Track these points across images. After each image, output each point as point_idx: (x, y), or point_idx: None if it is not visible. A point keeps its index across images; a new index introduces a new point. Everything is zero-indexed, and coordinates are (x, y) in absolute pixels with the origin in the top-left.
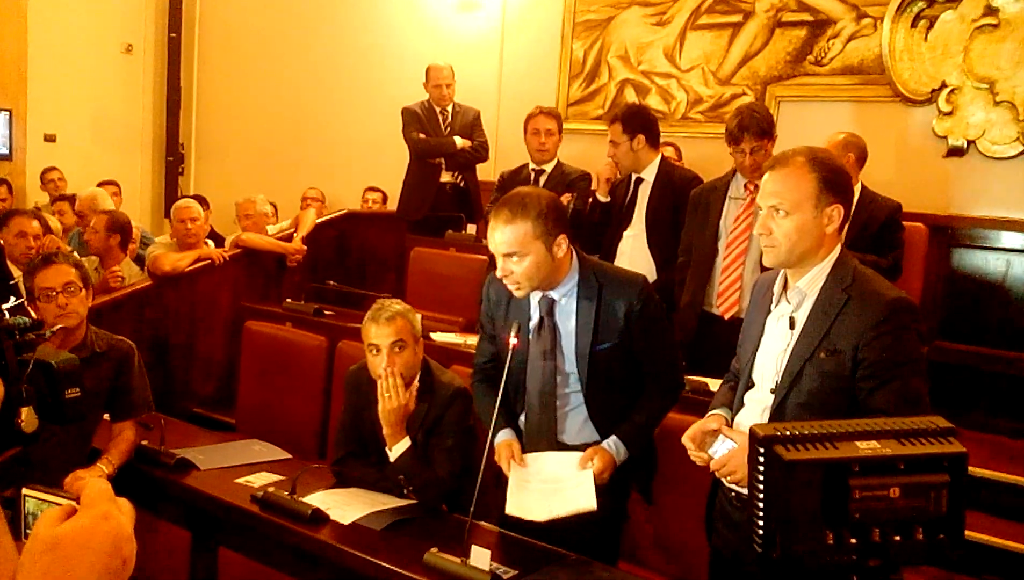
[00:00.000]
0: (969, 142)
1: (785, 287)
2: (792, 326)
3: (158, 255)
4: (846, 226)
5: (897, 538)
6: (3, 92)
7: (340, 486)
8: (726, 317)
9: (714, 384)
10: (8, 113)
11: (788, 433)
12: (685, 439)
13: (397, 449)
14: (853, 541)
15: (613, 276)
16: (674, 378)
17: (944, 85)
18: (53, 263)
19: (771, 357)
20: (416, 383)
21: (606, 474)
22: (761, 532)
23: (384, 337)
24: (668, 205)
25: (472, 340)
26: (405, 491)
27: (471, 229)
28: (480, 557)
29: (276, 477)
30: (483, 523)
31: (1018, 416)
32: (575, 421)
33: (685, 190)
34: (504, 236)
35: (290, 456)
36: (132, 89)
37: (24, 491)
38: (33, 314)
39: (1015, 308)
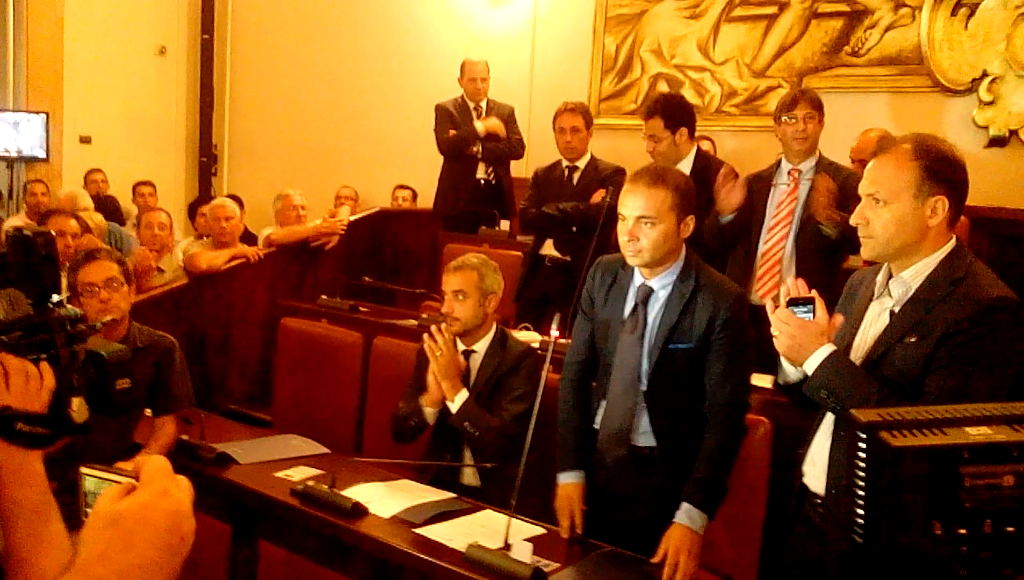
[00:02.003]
0: (1012, 132)
1: (889, 278)
2: (892, 319)
3: (195, 253)
4: (957, 220)
5: (1010, 529)
6: (40, 95)
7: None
8: (765, 302)
9: (756, 378)
10: (45, 116)
11: (893, 418)
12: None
13: (458, 400)
14: (963, 532)
15: (712, 280)
16: (736, 408)
17: (985, 74)
18: (96, 259)
19: (867, 348)
20: (488, 340)
21: (687, 549)
22: (862, 522)
23: (450, 284)
24: (704, 197)
25: (509, 331)
26: (471, 438)
27: (504, 225)
28: (522, 550)
29: (315, 471)
30: (523, 517)
31: None
32: (642, 419)
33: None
34: (642, 200)
35: (328, 451)
36: (166, 90)
37: (82, 470)
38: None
39: None
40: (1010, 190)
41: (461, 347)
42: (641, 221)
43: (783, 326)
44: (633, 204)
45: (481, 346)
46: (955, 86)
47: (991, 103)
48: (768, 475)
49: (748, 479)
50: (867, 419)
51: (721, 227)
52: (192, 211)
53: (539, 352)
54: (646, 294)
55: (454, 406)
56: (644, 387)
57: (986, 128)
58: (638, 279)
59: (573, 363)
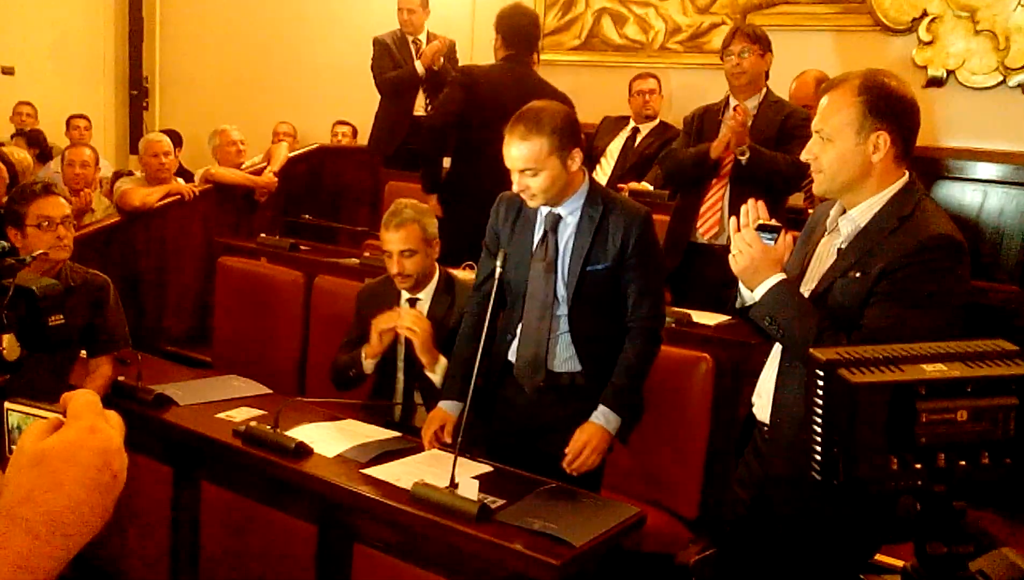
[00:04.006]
0: (949, 72)
1: (842, 215)
2: (839, 255)
3: (127, 189)
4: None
5: (963, 463)
6: None
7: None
8: (705, 238)
9: (698, 316)
10: None
11: (852, 356)
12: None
13: (439, 370)
14: (918, 466)
15: (619, 201)
16: (655, 321)
17: (925, 14)
18: (54, 194)
19: (813, 283)
20: (433, 286)
21: (595, 445)
22: (820, 458)
23: (395, 243)
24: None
25: (453, 272)
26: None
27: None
28: (468, 488)
29: (257, 412)
30: (468, 456)
31: None
32: (563, 345)
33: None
34: (520, 152)
35: (271, 391)
36: (93, 18)
37: (7, 405)
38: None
39: (990, 239)
40: (947, 130)
41: (406, 296)
42: (524, 173)
43: (745, 247)
44: (514, 157)
45: (426, 293)
46: (895, 25)
47: (930, 43)
48: (710, 411)
49: (690, 415)
50: (826, 357)
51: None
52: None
53: None
54: (555, 221)
55: (436, 376)
56: (565, 311)
57: (924, 68)
58: (544, 208)
59: (476, 295)
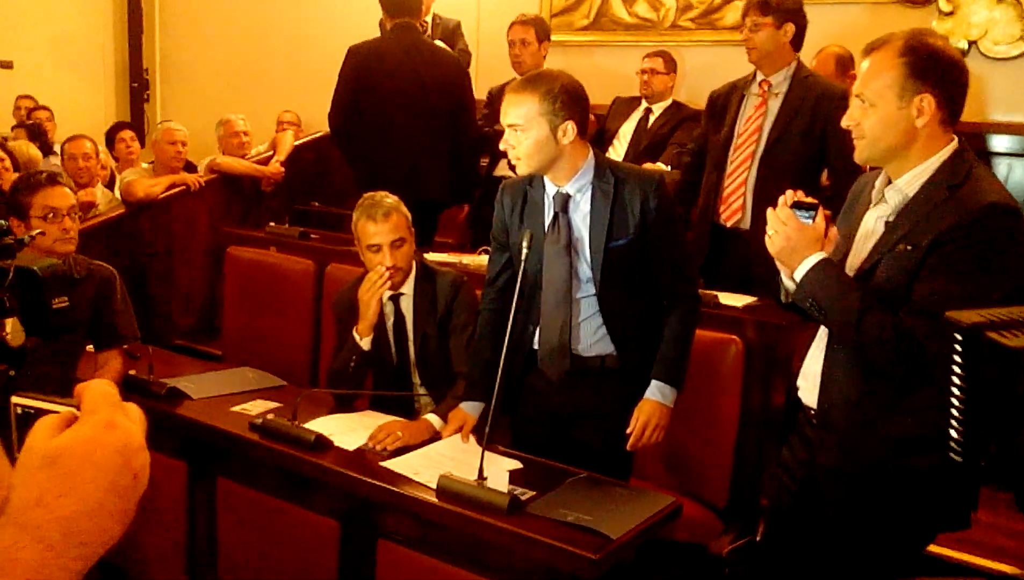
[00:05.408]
0: (971, 43)
1: (888, 185)
2: (887, 228)
3: (131, 181)
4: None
5: None
6: None
7: (340, 407)
8: (728, 224)
9: (725, 297)
10: None
11: (997, 319)
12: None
13: (438, 422)
14: None
15: (629, 171)
16: (691, 285)
17: None
18: (59, 184)
19: (860, 259)
20: (413, 278)
21: (657, 421)
22: (963, 429)
23: (385, 234)
24: None
25: (468, 259)
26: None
27: None
28: (497, 479)
29: (273, 404)
30: (497, 447)
31: None
32: (589, 329)
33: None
34: (509, 106)
35: (285, 383)
36: (92, 11)
37: (14, 399)
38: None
39: None
40: (969, 102)
41: (388, 294)
42: (512, 129)
43: (781, 226)
44: (504, 111)
45: (408, 287)
46: None
47: (950, 14)
48: (740, 395)
49: (720, 400)
50: (971, 321)
51: None
52: (111, 137)
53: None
54: (564, 201)
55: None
56: (592, 292)
57: (946, 40)
58: (551, 189)
59: (490, 291)
